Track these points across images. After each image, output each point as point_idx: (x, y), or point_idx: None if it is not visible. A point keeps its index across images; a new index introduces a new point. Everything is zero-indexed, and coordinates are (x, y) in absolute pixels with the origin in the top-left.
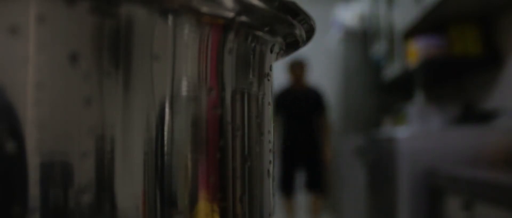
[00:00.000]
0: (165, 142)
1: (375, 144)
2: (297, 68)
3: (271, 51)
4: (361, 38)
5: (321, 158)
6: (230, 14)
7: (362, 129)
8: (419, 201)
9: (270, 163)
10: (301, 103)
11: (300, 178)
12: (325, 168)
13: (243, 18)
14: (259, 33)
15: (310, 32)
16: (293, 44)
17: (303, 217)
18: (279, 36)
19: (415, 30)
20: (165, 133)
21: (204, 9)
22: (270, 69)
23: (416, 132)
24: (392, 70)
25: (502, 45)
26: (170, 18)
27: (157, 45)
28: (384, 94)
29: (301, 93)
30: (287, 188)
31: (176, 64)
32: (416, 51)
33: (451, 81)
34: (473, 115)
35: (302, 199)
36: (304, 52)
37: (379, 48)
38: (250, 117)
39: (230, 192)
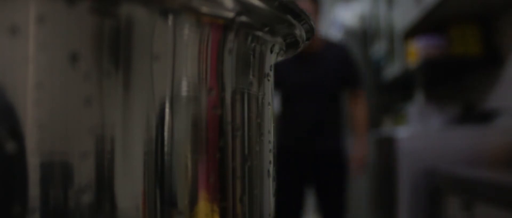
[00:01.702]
0: (165, 142)
1: (375, 144)
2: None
3: (271, 52)
4: (361, 38)
5: (348, 168)
6: (230, 14)
7: None
8: (419, 201)
9: (270, 163)
10: (313, 73)
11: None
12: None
13: (243, 18)
14: (259, 33)
15: (310, 32)
16: (293, 44)
17: None
18: (279, 36)
19: (415, 30)
20: (165, 133)
21: (204, 9)
22: (270, 69)
23: (416, 132)
24: (392, 70)
25: (502, 45)
26: (170, 18)
27: (157, 45)
28: (384, 94)
29: (313, 55)
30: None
31: (176, 64)
32: (416, 51)
33: (451, 81)
34: (473, 115)
35: None
36: None
37: (379, 48)
38: (250, 117)
39: (230, 192)
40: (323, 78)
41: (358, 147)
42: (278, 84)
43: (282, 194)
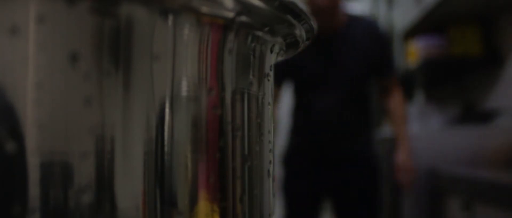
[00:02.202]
0: (165, 142)
1: (376, 144)
2: None
3: (271, 51)
4: None
5: (380, 178)
6: (230, 14)
7: None
8: (419, 201)
9: (270, 163)
10: (334, 56)
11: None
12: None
13: (243, 18)
14: (259, 33)
15: (310, 32)
16: (293, 44)
17: None
18: (279, 36)
19: (415, 30)
20: (165, 133)
21: (204, 9)
22: (270, 69)
23: (416, 132)
24: None
25: (502, 45)
26: (170, 18)
27: (157, 45)
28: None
29: (333, 34)
30: None
31: (176, 64)
32: (416, 51)
33: (451, 81)
34: (473, 115)
35: None
36: None
37: None
38: (250, 117)
39: (230, 192)
40: (347, 62)
41: (404, 152)
42: (288, 74)
43: (295, 209)
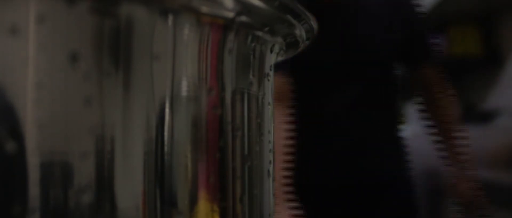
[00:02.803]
0: (165, 142)
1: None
2: None
3: (271, 51)
4: None
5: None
6: (230, 14)
7: None
8: (419, 201)
9: (270, 163)
10: (347, 35)
11: None
12: None
13: (243, 18)
14: (259, 33)
15: (310, 32)
16: (293, 44)
17: None
18: (279, 36)
19: None
20: (165, 133)
21: (204, 9)
22: (270, 69)
23: (416, 132)
24: None
25: (502, 45)
26: (170, 18)
27: (157, 45)
28: None
29: (339, 5)
30: None
31: (176, 64)
32: None
33: (451, 81)
34: (473, 115)
35: None
36: None
37: None
38: (250, 117)
39: (230, 192)
40: (366, 42)
41: (458, 169)
42: (285, 67)
43: None
